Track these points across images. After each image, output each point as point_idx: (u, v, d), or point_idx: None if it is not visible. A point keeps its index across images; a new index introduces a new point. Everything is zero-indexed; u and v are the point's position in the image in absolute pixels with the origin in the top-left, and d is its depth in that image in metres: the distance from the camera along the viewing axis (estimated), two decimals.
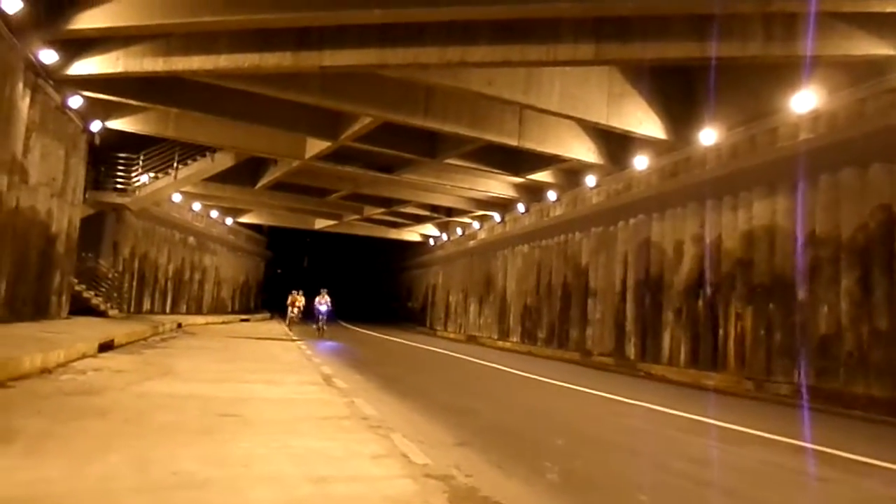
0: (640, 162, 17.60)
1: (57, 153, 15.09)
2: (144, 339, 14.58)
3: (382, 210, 33.30)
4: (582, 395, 11.20)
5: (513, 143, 17.71)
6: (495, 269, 28.80)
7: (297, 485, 3.96)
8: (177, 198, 27.00)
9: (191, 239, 30.56)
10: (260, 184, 27.63)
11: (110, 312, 19.75)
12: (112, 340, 11.78)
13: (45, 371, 7.85)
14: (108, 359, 10.11)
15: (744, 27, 10.99)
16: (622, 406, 10.05)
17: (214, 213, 33.11)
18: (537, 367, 16.20)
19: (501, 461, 5.30)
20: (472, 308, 31.36)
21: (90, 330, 12.87)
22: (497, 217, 29.34)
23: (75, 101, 15.11)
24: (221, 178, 25.55)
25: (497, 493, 4.19)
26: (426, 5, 10.96)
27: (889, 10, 10.14)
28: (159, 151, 21.85)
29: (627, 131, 15.97)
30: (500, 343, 26.19)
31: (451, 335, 32.73)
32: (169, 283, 28.31)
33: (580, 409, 9.73)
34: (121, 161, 21.20)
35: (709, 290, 15.03)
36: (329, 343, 20.60)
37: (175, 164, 22.30)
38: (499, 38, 11.64)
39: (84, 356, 9.75)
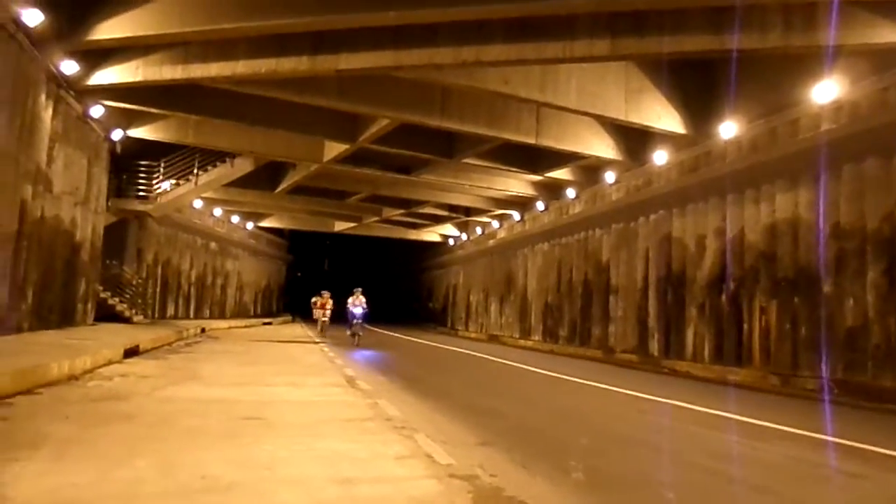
0: (660, 157, 17.46)
1: (80, 162, 15.32)
2: (169, 344, 14.75)
3: (401, 211, 33.41)
4: (605, 393, 11.13)
5: (530, 141, 17.66)
6: (516, 268, 28.75)
7: (322, 487, 3.98)
8: (198, 204, 27.32)
9: (212, 244, 30.88)
10: (280, 188, 27.85)
11: (135, 318, 20.02)
12: (137, 346, 11.93)
13: (72, 377, 7.98)
14: (134, 364, 10.25)
15: (762, 18, 10.80)
16: (646, 403, 9.96)
17: (235, 218, 33.47)
18: (559, 365, 16.13)
19: (526, 461, 5.27)
20: (493, 307, 31.31)
21: (115, 336, 13.05)
22: (516, 216, 29.28)
23: (97, 111, 15.34)
24: (242, 183, 25.73)
25: (522, 493, 4.16)
26: (439, 6, 10.94)
27: None
28: (180, 158, 22.14)
29: (646, 126, 15.84)
30: (522, 342, 26.14)
31: (473, 335, 32.72)
32: (192, 289, 28.63)
33: (604, 407, 9.66)
34: (142, 169, 21.50)
35: (732, 285, 14.85)
36: (362, 352, 17.47)
37: (195, 171, 22.54)
38: (513, 37, 11.60)
39: (110, 362, 9.90)
